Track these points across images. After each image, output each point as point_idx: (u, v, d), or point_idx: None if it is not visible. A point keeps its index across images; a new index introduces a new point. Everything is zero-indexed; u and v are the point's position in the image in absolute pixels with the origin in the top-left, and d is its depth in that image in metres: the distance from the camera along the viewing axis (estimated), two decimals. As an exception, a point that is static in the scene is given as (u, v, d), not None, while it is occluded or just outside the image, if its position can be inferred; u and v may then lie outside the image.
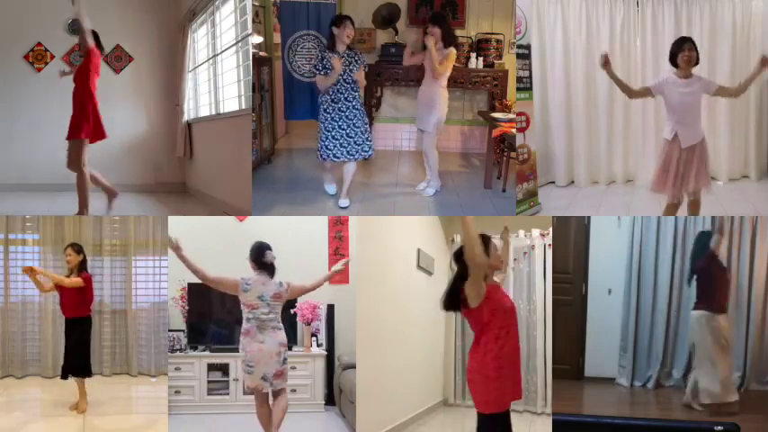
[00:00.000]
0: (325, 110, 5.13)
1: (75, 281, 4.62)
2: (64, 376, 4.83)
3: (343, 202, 5.30)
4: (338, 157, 5.18)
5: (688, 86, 4.24)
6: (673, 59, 4.26)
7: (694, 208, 4.54)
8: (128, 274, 5.99)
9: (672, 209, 4.51)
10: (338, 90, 5.07)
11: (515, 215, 5.24)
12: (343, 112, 5.11)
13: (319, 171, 5.77)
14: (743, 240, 5.56)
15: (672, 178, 4.32)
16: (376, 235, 4.65)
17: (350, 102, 5.12)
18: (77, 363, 4.75)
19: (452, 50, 5.23)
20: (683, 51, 4.20)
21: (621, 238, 5.83)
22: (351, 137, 5.14)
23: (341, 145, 5.16)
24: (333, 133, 5.12)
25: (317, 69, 5.05)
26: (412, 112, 7.18)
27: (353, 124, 5.13)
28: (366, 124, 5.22)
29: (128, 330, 5.96)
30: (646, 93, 4.39)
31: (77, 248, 4.78)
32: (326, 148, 5.15)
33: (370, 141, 5.24)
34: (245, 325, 3.83)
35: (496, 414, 3.01)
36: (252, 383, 3.84)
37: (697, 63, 4.25)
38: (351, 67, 5.04)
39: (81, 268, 4.75)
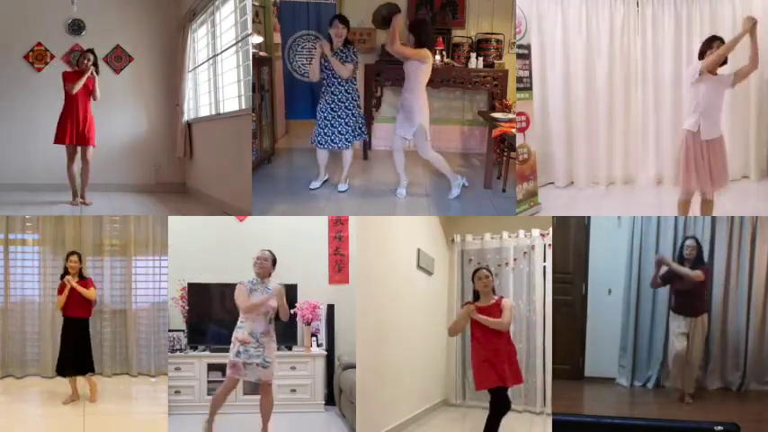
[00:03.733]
0: (326, 101, 5.39)
1: (93, 292, 5.01)
2: (65, 374, 4.98)
3: (343, 186, 5.60)
4: (335, 143, 5.42)
5: (714, 82, 4.39)
6: (701, 56, 4.40)
7: (707, 208, 4.61)
8: (128, 274, 5.99)
9: (685, 206, 4.61)
10: (333, 83, 5.34)
11: (515, 215, 5.24)
12: (342, 102, 5.37)
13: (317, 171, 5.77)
14: (743, 240, 5.56)
15: (696, 172, 4.44)
16: (376, 235, 4.65)
17: (347, 93, 5.37)
18: (85, 361, 5.00)
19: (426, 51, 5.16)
20: (711, 49, 4.34)
21: (621, 238, 5.83)
22: (335, 126, 5.40)
23: (339, 132, 5.40)
24: (331, 122, 5.39)
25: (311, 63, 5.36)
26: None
27: (339, 116, 5.39)
28: (355, 116, 5.46)
29: (128, 330, 5.96)
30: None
31: (79, 255, 5.07)
32: (324, 134, 5.42)
33: (358, 130, 5.50)
34: (267, 326, 4.18)
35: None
36: (266, 377, 4.15)
37: (725, 63, 4.39)
38: (335, 57, 5.28)
39: (80, 274, 5.04)
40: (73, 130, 5.97)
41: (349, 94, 5.41)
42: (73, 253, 5.07)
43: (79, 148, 6.06)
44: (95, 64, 6.06)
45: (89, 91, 6.01)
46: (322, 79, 5.39)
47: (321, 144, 5.47)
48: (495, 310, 3.89)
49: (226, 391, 4.15)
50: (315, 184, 5.63)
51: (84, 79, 5.93)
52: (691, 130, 4.43)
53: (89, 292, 4.94)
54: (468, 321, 3.89)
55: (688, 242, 5.11)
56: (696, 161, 4.42)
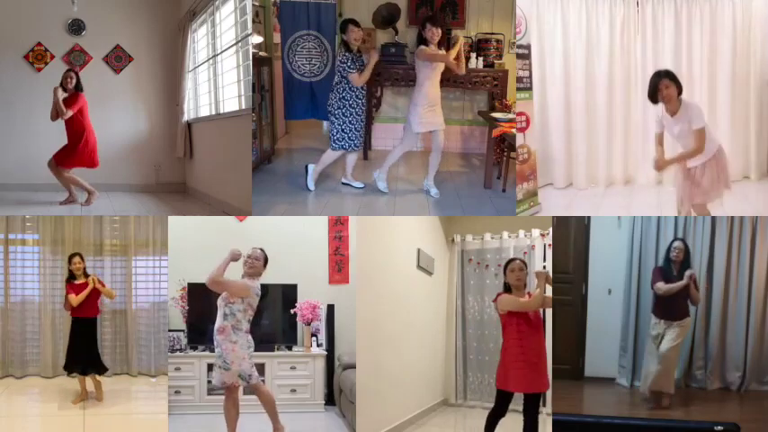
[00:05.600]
0: (351, 105, 5.44)
1: (111, 291, 5.19)
2: (72, 371, 5.00)
3: (358, 183, 5.76)
4: (357, 147, 5.59)
5: (677, 123, 4.13)
6: (653, 97, 4.11)
7: (699, 211, 4.54)
8: (128, 274, 5.99)
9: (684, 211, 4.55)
10: (360, 87, 5.44)
11: (515, 215, 5.24)
12: (363, 107, 5.51)
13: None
14: (743, 240, 5.56)
15: (680, 194, 4.35)
16: (376, 235, 4.66)
17: (358, 99, 5.48)
18: (96, 361, 5.03)
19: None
20: (659, 91, 4.06)
21: (621, 238, 5.83)
22: (359, 129, 5.53)
23: (360, 135, 5.55)
24: (356, 125, 5.51)
25: (352, 68, 5.30)
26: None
27: (360, 118, 5.52)
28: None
29: (128, 330, 5.96)
30: (661, 139, 4.29)
31: (81, 256, 5.10)
32: (350, 139, 5.52)
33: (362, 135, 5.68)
34: (223, 323, 4.02)
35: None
36: (229, 380, 3.95)
37: (680, 93, 4.07)
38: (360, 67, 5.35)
39: (85, 273, 5.08)
40: (77, 155, 5.96)
41: (360, 99, 5.48)
42: (75, 255, 5.08)
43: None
44: (77, 84, 5.91)
45: (80, 111, 5.90)
46: (336, 83, 5.44)
47: (356, 148, 5.58)
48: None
49: (225, 398, 4.01)
50: (359, 184, 5.77)
51: (60, 105, 5.78)
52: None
53: (110, 291, 5.04)
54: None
55: (676, 244, 5.02)
56: (681, 186, 4.32)
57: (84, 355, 4.97)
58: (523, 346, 3.68)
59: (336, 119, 5.46)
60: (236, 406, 4.03)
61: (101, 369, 5.08)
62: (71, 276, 5.01)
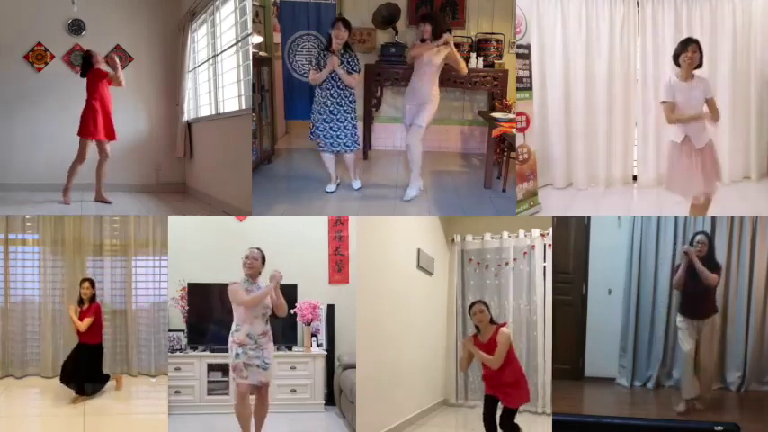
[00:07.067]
0: (317, 101, 5.41)
1: (87, 322, 5.02)
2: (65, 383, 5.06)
3: (356, 183, 5.67)
4: (321, 147, 5.46)
5: (690, 89, 4.27)
6: (676, 59, 4.30)
7: (697, 210, 4.53)
8: (128, 274, 5.99)
9: (696, 209, 4.51)
10: (329, 86, 5.31)
11: (515, 215, 5.24)
12: (330, 107, 5.35)
13: (319, 171, 5.78)
14: (743, 240, 5.56)
15: (688, 179, 4.36)
16: (376, 235, 4.66)
17: (339, 100, 5.34)
18: (91, 378, 5.09)
19: (448, 36, 5.27)
20: (686, 52, 4.23)
21: (621, 238, 5.82)
22: (334, 131, 5.39)
23: (325, 136, 5.42)
24: (320, 125, 5.41)
25: (311, 65, 5.36)
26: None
27: (338, 120, 5.37)
28: (353, 121, 5.44)
29: (128, 330, 5.96)
30: (673, 107, 4.32)
31: (93, 282, 5.21)
32: (314, 133, 5.47)
33: (355, 137, 5.45)
34: (265, 327, 4.07)
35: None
36: (266, 379, 4.04)
37: (699, 65, 4.28)
38: (342, 67, 5.24)
39: (92, 299, 5.15)
40: (99, 124, 5.97)
41: (346, 98, 5.37)
42: (85, 280, 5.18)
43: (94, 144, 6.07)
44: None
45: (109, 84, 6.07)
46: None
47: (321, 147, 5.46)
48: (492, 345, 3.83)
49: (241, 400, 3.99)
50: (331, 188, 5.62)
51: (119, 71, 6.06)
52: (675, 142, 4.35)
53: (79, 324, 5.01)
54: (474, 352, 3.90)
55: (698, 238, 4.72)
56: (688, 170, 4.31)
57: (82, 376, 5.03)
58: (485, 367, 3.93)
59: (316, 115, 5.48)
60: (248, 408, 4.04)
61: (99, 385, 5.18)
62: (80, 301, 5.11)
